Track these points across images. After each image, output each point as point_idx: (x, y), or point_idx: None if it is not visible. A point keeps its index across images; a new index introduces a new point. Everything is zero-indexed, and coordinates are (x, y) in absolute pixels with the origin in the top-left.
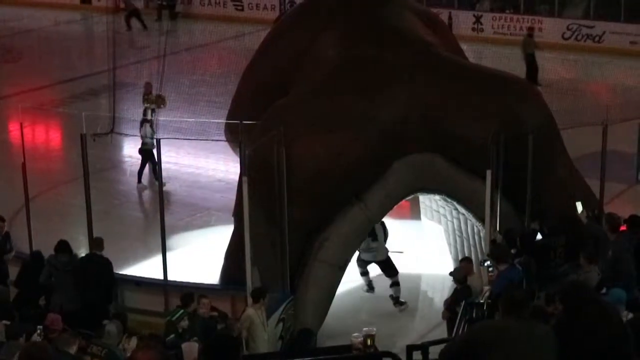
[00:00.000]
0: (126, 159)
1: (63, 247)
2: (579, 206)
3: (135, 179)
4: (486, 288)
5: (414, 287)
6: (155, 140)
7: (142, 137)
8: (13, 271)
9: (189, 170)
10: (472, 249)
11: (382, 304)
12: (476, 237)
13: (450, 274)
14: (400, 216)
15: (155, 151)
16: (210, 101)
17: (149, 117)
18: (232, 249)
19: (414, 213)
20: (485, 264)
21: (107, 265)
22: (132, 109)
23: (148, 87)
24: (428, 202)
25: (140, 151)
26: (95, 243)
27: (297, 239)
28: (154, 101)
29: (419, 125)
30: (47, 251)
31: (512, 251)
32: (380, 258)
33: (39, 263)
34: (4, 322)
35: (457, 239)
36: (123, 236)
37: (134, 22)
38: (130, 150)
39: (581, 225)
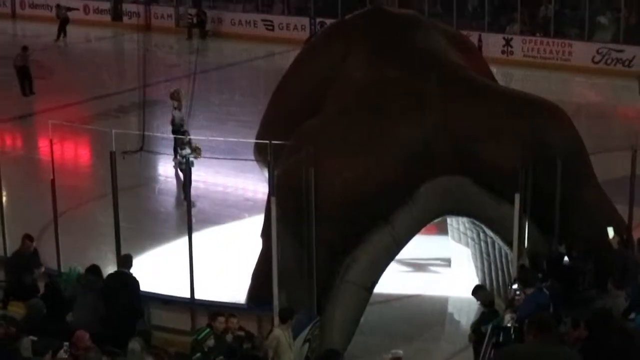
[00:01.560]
0: (155, 177)
1: (94, 269)
2: (611, 231)
3: (165, 197)
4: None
5: (441, 310)
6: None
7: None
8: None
9: (217, 189)
10: (499, 272)
11: (408, 325)
12: (504, 260)
13: (475, 296)
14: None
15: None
16: (239, 120)
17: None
18: (260, 269)
19: (440, 232)
20: (513, 288)
21: (135, 283)
22: (162, 127)
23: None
24: (455, 224)
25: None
26: (123, 260)
27: (324, 260)
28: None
29: (446, 149)
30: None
31: (539, 275)
32: None
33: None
34: (31, 337)
35: (485, 262)
36: (151, 254)
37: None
38: (160, 168)
39: (610, 250)
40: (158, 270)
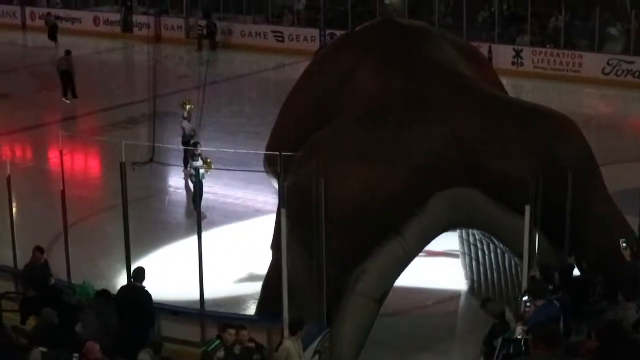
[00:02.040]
0: (165, 189)
1: (105, 295)
2: (623, 244)
3: (175, 209)
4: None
5: (451, 323)
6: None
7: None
8: None
9: (227, 201)
10: (509, 284)
11: (418, 338)
12: (514, 271)
13: (484, 309)
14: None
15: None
16: (249, 132)
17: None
18: (270, 281)
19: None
20: (523, 300)
21: (147, 297)
22: (172, 139)
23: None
24: (465, 235)
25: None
26: (136, 274)
27: (334, 272)
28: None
29: (457, 160)
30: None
31: (550, 287)
32: None
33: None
34: (41, 349)
35: (495, 273)
36: (161, 265)
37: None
38: (170, 179)
39: (622, 262)
40: (168, 281)
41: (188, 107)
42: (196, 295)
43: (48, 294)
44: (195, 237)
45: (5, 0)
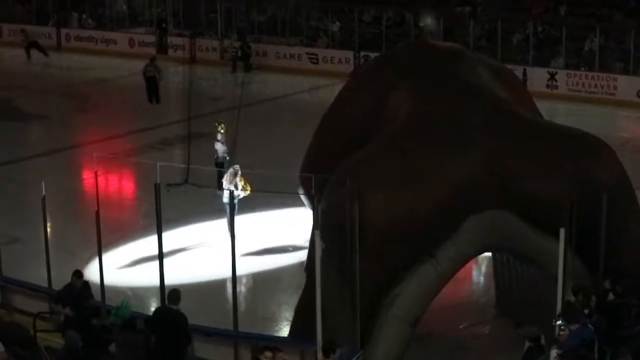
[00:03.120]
0: (199, 210)
1: (131, 326)
2: None
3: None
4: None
5: (484, 344)
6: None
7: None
8: None
9: (261, 223)
10: (543, 306)
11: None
12: (547, 294)
13: (519, 331)
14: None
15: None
16: (283, 154)
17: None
18: (303, 303)
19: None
20: (557, 323)
21: (182, 320)
22: (207, 160)
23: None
24: (499, 256)
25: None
26: (171, 297)
27: (368, 294)
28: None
29: (491, 183)
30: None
31: (586, 311)
32: None
33: None
34: None
35: (528, 295)
36: (194, 287)
37: (35, 52)
38: (204, 201)
39: None
40: (201, 303)
41: (221, 129)
42: (229, 316)
43: (83, 314)
44: (229, 258)
45: (41, 21)
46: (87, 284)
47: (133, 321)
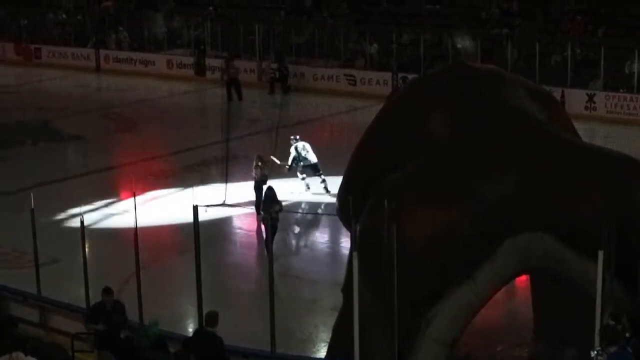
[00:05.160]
0: (237, 231)
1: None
2: None
3: (247, 252)
4: None
5: None
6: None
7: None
8: None
9: (298, 244)
10: (581, 329)
11: None
12: (586, 316)
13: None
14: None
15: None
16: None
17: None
18: (341, 324)
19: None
20: (596, 351)
21: (219, 343)
22: (244, 181)
23: (258, 159)
24: (537, 278)
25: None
26: (209, 318)
27: (405, 315)
28: (265, 165)
29: (529, 205)
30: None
31: (626, 334)
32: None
33: None
34: None
35: (566, 317)
36: (232, 308)
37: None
38: (242, 222)
39: None
40: (239, 324)
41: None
42: (266, 336)
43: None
44: (267, 279)
45: (80, 43)
46: (118, 302)
47: (164, 341)
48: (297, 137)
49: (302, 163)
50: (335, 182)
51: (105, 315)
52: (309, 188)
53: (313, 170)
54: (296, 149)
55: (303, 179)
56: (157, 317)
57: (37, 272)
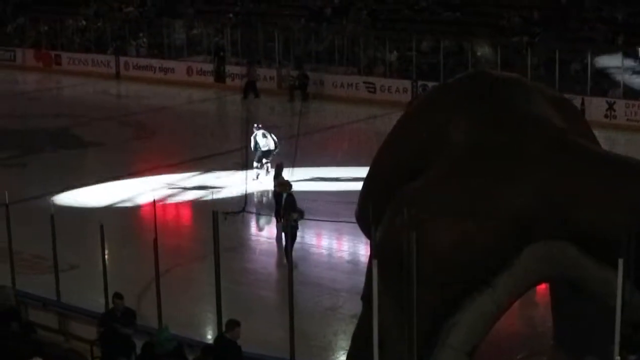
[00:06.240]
0: (256, 238)
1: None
2: None
3: (266, 259)
4: None
5: None
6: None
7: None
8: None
9: (318, 251)
10: (601, 337)
11: None
12: (605, 325)
13: None
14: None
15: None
16: (340, 182)
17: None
18: (360, 332)
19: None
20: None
21: (238, 350)
22: (264, 189)
23: (279, 168)
24: (556, 286)
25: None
26: (229, 326)
27: (424, 324)
28: (284, 185)
29: (549, 213)
30: (174, 328)
31: None
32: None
33: None
34: None
35: (586, 326)
36: (250, 315)
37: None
38: (261, 229)
39: None
40: (257, 332)
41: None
42: (286, 344)
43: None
44: (286, 287)
45: (100, 49)
46: (129, 309)
47: (181, 348)
48: (260, 125)
49: (261, 150)
50: (354, 190)
51: (114, 321)
52: (257, 178)
53: (264, 155)
54: (255, 137)
55: (259, 167)
56: (170, 323)
57: (57, 278)
